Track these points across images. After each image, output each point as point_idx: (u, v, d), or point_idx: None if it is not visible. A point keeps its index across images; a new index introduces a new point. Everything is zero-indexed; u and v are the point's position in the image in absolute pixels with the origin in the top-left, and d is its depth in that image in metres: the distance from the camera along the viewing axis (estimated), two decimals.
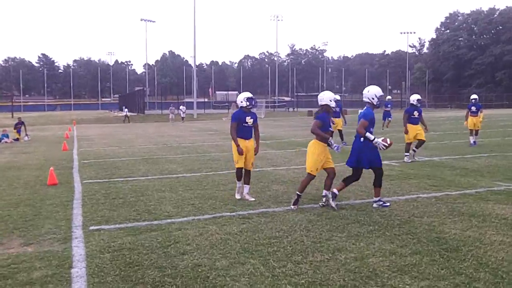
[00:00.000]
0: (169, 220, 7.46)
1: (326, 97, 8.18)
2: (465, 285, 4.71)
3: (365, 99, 8.22)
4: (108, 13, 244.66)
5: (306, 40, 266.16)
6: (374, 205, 8.10)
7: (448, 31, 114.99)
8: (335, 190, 8.12)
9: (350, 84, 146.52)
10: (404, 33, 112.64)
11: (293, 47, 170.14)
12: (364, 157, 7.99)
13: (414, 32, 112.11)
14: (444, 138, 21.34)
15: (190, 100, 75.08)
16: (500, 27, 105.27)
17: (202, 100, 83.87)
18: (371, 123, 7.99)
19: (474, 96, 19.11)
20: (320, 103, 8.24)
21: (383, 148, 7.87)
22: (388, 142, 7.89)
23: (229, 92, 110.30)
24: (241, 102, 9.01)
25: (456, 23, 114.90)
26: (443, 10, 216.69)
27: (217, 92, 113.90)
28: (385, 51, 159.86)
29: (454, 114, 53.13)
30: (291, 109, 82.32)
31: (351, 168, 8.34)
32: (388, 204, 8.13)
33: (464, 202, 8.25)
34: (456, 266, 5.21)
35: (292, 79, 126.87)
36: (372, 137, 7.84)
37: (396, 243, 6.04)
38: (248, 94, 9.14)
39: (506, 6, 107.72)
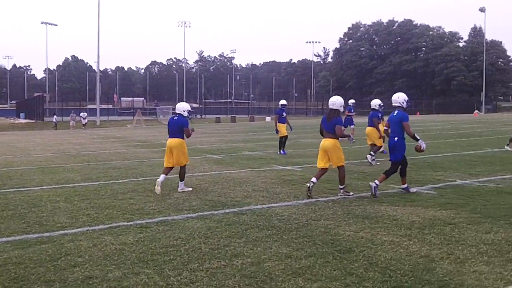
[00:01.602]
0: (61, 232, 7.09)
1: (338, 103, 9.53)
2: (355, 284, 4.84)
3: (395, 104, 9.68)
4: (6, 15, 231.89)
5: (215, 47, 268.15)
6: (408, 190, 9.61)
7: (351, 41, 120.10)
8: (377, 182, 9.38)
9: (258, 92, 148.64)
10: (310, 42, 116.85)
11: (201, 53, 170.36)
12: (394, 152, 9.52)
13: (319, 42, 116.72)
14: (345, 144, 22.10)
15: (93, 107, 72.67)
16: (399, 38, 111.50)
17: (106, 106, 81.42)
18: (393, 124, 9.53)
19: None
20: (332, 107, 9.50)
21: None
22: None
23: (135, 99, 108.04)
24: (184, 111, 10.54)
25: (358, 34, 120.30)
26: (347, 20, 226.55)
27: (122, 99, 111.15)
28: (291, 59, 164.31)
29: (356, 120, 55.34)
30: (198, 116, 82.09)
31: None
32: (415, 190, 9.71)
33: (360, 205, 8.56)
34: (348, 266, 5.36)
35: (201, 86, 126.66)
36: (418, 137, 9.35)
37: (292, 246, 6.13)
38: (189, 107, 10.82)
39: (404, 19, 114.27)
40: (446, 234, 6.60)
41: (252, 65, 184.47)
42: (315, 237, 6.52)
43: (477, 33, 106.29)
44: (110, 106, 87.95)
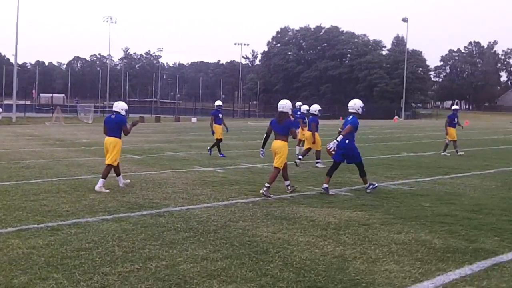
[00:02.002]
0: None
1: (288, 106, 10.11)
2: (269, 285, 4.85)
3: (351, 110, 10.26)
4: None
5: (141, 45, 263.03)
6: (367, 190, 10.00)
7: (278, 45, 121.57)
8: (325, 185, 9.99)
9: (185, 92, 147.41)
10: (238, 44, 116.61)
11: (127, 51, 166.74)
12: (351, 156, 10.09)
13: (248, 44, 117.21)
14: (268, 146, 22.28)
15: (9, 102, 69.13)
16: (325, 44, 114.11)
17: (23, 102, 77.69)
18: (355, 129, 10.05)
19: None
20: (282, 110, 10.03)
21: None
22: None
23: (55, 95, 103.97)
24: (122, 110, 10.57)
25: (286, 38, 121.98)
26: (275, 24, 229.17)
27: (41, 95, 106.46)
28: (219, 60, 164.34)
29: None
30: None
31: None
32: (375, 184, 10.19)
33: (279, 206, 8.63)
34: (263, 267, 5.37)
35: (125, 83, 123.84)
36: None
37: (209, 248, 6.07)
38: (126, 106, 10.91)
39: (331, 25, 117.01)
40: (360, 235, 6.77)
41: (179, 64, 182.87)
42: (232, 239, 6.49)
43: (399, 42, 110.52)
44: (28, 102, 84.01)
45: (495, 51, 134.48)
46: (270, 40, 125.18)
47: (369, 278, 5.08)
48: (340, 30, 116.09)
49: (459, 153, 18.18)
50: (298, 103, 18.52)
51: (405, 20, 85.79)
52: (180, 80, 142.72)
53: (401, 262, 5.60)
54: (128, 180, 10.90)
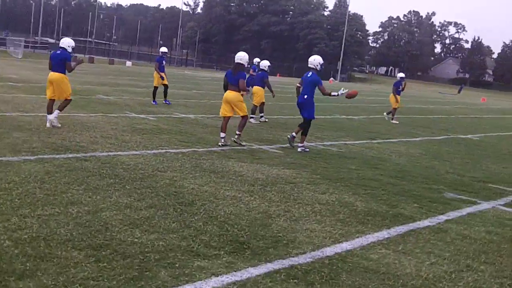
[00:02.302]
0: None
1: (245, 59, 10.17)
2: (192, 237, 4.83)
3: (310, 65, 10.43)
4: None
5: None
6: (299, 149, 10.25)
7: None
8: (294, 134, 10.58)
9: (121, 34, 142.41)
10: None
11: None
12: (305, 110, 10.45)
13: None
14: (204, 97, 22.11)
15: None
16: None
17: None
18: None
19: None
20: (238, 61, 10.09)
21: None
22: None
23: None
24: (69, 47, 10.60)
25: None
26: None
27: None
28: (160, 5, 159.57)
29: (220, 75, 55.57)
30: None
31: None
32: (308, 150, 10.33)
33: (208, 159, 8.58)
34: (187, 219, 5.34)
35: (59, 20, 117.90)
36: (334, 93, 10.61)
37: (134, 196, 5.96)
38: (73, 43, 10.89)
39: None
40: (286, 192, 6.86)
41: (117, 5, 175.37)
42: (158, 189, 6.40)
43: (341, 4, 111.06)
44: None
45: (433, 22, 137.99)
46: None
47: (291, 236, 5.16)
48: None
49: (393, 121, 18.64)
50: (257, 59, 17.92)
51: None
52: (117, 22, 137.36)
53: (323, 222, 5.73)
54: (59, 125, 10.41)
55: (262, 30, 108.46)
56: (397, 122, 18.47)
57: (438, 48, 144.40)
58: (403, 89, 19.28)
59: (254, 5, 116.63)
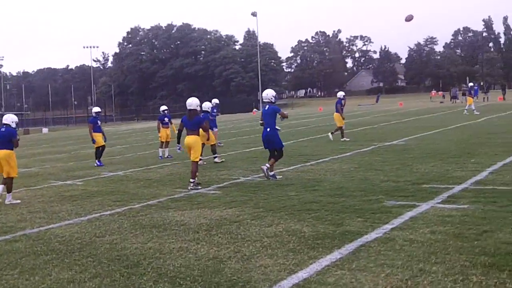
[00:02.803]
0: None
1: (194, 104, 10.93)
2: None
3: (266, 100, 11.37)
4: None
5: None
6: (270, 178, 10.86)
7: (130, 45, 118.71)
8: (268, 165, 10.98)
9: (32, 101, 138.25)
10: (87, 47, 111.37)
11: None
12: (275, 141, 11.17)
13: (98, 47, 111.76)
14: (129, 151, 21.66)
15: None
16: (179, 42, 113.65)
17: None
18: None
19: (164, 107, 18.80)
20: (190, 108, 10.90)
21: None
22: None
23: None
24: (12, 122, 10.63)
25: (138, 38, 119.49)
26: (125, 25, 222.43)
27: None
28: (68, 65, 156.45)
29: (141, 126, 54.97)
30: None
31: None
32: (278, 177, 10.90)
33: (147, 214, 8.32)
34: (136, 282, 5.10)
35: None
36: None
37: (75, 269, 5.63)
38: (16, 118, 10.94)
39: (183, 23, 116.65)
40: (233, 233, 6.74)
41: (24, 72, 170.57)
42: (100, 255, 6.10)
43: (251, 36, 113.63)
44: None
45: (340, 39, 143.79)
46: (121, 41, 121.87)
47: (246, 277, 5.04)
48: (192, 27, 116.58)
49: (343, 139, 18.66)
50: (215, 100, 19.68)
51: (254, 14, 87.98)
52: (27, 89, 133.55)
53: (274, 255, 5.64)
54: (19, 201, 10.40)
55: (177, 74, 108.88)
56: (348, 139, 18.76)
57: (349, 62, 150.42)
58: (343, 107, 19.60)
59: (164, 50, 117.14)
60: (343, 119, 19.20)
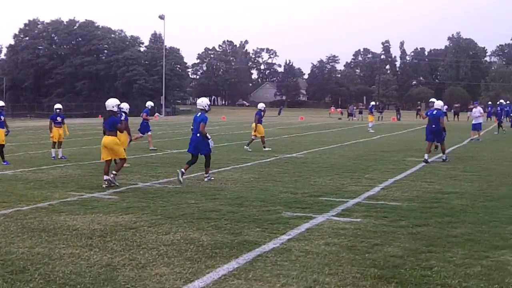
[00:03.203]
0: None
1: (110, 104, 11.07)
2: None
3: (199, 107, 11.79)
4: None
5: None
6: (205, 179, 11.48)
7: (27, 38, 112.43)
8: (183, 170, 11.18)
9: None
10: None
11: None
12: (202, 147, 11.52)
13: None
14: (20, 149, 20.42)
15: None
16: (80, 39, 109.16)
17: None
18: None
19: (58, 106, 18.01)
20: (108, 108, 11.08)
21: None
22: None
23: None
24: None
25: (36, 31, 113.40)
26: (22, 16, 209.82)
27: None
28: None
29: (34, 124, 52.13)
30: None
31: None
32: (213, 178, 11.59)
33: (36, 217, 7.86)
34: None
35: None
36: (208, 137, 11.59)
37: None
38: None
39: (86, 19, 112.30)
40: (128, 239, 6.54)
41: None
42: None
43: (157, 39, 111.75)
44: None
45: (247, 50, 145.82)
46: (17, 33, 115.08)
47: (140, 285, 4.90)
48: (96, 25, 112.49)
49: (266, 149, 18.92)
50: (150, 103, 20.23)
51: (161, 17, 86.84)
52: None
53: (171, 264, 5.54)
54: None
55: (76, 72, 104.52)
56: (270, 148, 19.12)
57: (255, 74, 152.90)
58: (261, 118, 19.84)
59: (64, 46, 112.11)
60: (260, 130, 19.54)
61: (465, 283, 4.93)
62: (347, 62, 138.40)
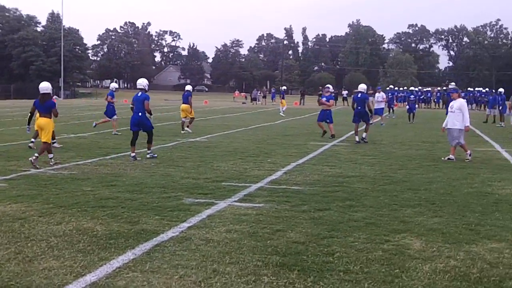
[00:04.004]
0: None
1: (48, 88, 11.42)
2: None
3: (140, 87, 12.66)
4: None
5: None
6: (148, 156, 12.32)
7: None
8: (133, 154, 12.14)
9: None
10: None
11: None
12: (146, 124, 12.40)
13: None
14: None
15: None
16: None
17: None
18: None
19: None
20: (43, 92, 11.29)
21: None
22: None
23: None
24: None
25: None
26: None
27: None
28: None
29: None
30: None
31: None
32: (156, 155, 12.52)
33: None
34: None
35: None
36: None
37: None
38: None
39: None
40: (15, 231, 6.08)
41: None
42: None
43: (55, 19, 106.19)
44: None
45: (149, 32, 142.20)
46: None
47: (26, 281, 4.54)
48: None
49: (190, 131, 19.17)
50: (114, 85, 20.40)
51: None
52: None
53: (61, 257, 5.19)
54: None
55: None
56: (190, 131, 19.29)
57: (158, 57, 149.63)
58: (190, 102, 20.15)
59: None
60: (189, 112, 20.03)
61: (366, 268, 4.98)
62: (250, 47, 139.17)
